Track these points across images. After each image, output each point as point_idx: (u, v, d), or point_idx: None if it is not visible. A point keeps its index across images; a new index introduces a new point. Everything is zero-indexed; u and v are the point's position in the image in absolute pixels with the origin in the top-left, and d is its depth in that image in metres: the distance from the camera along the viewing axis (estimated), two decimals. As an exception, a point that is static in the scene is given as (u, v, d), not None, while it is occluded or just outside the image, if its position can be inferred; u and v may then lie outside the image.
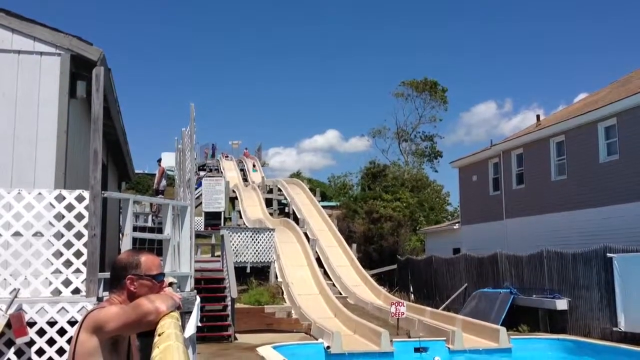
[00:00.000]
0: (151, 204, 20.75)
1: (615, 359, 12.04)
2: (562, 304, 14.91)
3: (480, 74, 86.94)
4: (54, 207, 5.86)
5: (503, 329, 13.49)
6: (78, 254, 5.82)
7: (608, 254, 13.74)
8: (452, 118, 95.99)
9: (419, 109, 53.43)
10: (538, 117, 24.59)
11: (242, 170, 40.40)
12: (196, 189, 18.73)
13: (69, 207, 5.92)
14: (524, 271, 16.83)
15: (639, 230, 15.55)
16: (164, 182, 19.70)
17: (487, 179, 24.47)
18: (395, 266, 25.68)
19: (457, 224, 27.47)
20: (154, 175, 23.10)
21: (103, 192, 6.13)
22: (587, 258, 14.55)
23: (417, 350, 13.05)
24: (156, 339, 2.08)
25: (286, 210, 30.41)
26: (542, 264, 16.03)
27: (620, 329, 13.21)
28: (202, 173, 38.62)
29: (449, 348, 13.04)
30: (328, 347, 12.60)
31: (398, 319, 15.12)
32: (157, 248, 13.41)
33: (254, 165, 40.87)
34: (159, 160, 21.39)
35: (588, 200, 18.15)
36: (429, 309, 17.31)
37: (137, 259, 3.02)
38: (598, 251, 14.18)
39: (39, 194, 5.88)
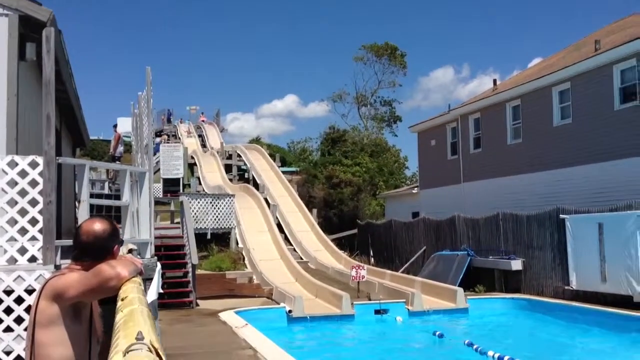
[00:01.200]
0: (107, 171, 20.37)
1: (566, 316, 12.51)
2: (516, 265, 15.36)
3: (439, 39, 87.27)
4: (6, 173, 5.67)
5: (460, 290, 13.85)
6: (33, 222, 5.67)
7: (561, 215, 14.15)
8: (410, 83, 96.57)
9: (378, 73, 53.48)
10: (495, 81, 24.90)
11: (200, 136, 39.86)
12: (154, 154, 18.41)
13: (22, 174, 5.74)
14: (480, 233, 17.23)
15: (589, 192, 16.06)
16: (120, 149, 19.31)
17: (445, 143, 24.77)
18: (355, 231, 25.93)
19: (416, 189, 27.84)
20: (110, 141, 22.57)
21: (57, 157, 5.96)
22: (540, 219, 14.97)
23: (377, 312, 13.30)
24: (119, 303, 2.05)
25: (246, 176, 30.25)
26: (498, 226, 16.44)
27: (572, 287, 13.70)
28: (159, 139, 37.96)
29: (408, 309, 13.33)
30: (290, 311, 12.73)
31: (359, 282, 15.34)
32: (115, 215, 13.19)
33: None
34: (115, 126, 20.92)
35: (542, 163, 18.59)
36: (389, 272, 17.60)
37: (115, 226, 3.01)
38: (551, 213, 14.59)
39: (-10, 160, 5.67)
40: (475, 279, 16.23)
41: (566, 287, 13.88)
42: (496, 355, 9.19)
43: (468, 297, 13.88)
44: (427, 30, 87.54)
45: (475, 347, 9.88)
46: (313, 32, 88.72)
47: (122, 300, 2.01)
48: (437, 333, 11.10)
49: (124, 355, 1.14)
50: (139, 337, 1.26)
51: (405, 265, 19.79)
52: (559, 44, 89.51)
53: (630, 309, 11.60)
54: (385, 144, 43.86)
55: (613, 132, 16.09)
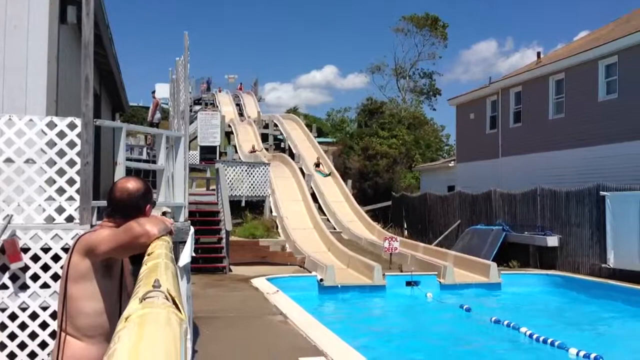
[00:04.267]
0: (146, 137, 20.67)
1: (602, 294, 12.29)
2: (552, 241, 15.11)
3: (482, 11, 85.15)
4: (45, 134, 5.77)
5: (494, 264, 13.72)
6: (71, 182, 5.78)
7: (601, 192, 13.82)
8: (451, 56, 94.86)
9: (418, 45, 52.52)
10: (539, 54, 24.23)
11: (237, 105, 40.02)
12: (190, 123, 18.55)
13: (61, 135, 5.84)
14: (517, 208, 16.97)
15: (632, 169, 15.59)
16: (158, 115, 19.50)
17: (485, 117, 24.32)
18: (389, 203, 25.86)
19: (452, 162, 27.51)
20: (149, 107, 22.84)
21: (95, 120, 6.03)
22: (580, 196, 14.65)
23: (408, 284, 13.30)
24: (145, 258, 2.07)
25: (282, 145, 30.35)
26: (535, 202, 16.16)
27: (609, 265, 13.43)
28: (197, 107, 38.25)
29: (440, 282, 13.29)
30: (321, 280, 12.82)
31: (391, 254, 15.34)
32: (152, 181, 13.39)
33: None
34: (153, 92, 21.11)
35: (584, 138, 18.10)
36: (422, 244, 17.54)
37: (148, 186, 3.05)
38: (591, 189, 14.26)
39: (30, 120, 5.77)
40: (510, 254, 16.05)
41: (603, 265, 13.61)
42: (528, 332, 9.09)
43: (501, 272, 13.75)
44: (470, 2, 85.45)
45: (506, 322, 9.79)
46: (353, 2, 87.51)
47: (149, 255, 2.02)
48: (465, 307, 11.03)
49: (141, 302, 1.14)
50: (156, 285, 1.27)
51: (439, 239, 19.68)
52: (606, 17, 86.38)
53: (669, 290, 11.33)
54: (423, 116, 43.30)
55: (660, 108, 15.53)
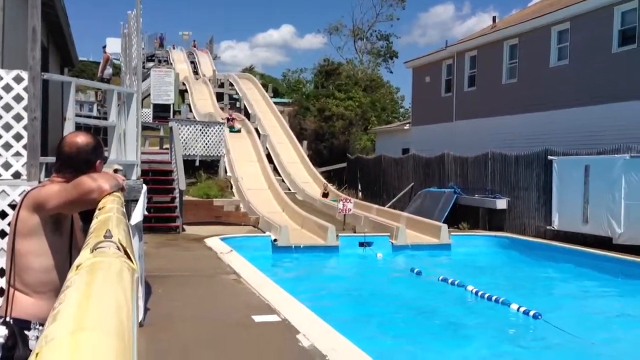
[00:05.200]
0: (96, 93, 20.10)
1: (545, 254, 12.77)
2: (501, 204, 15.55)
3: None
4: (-11, 87, 5.56)
5: (445, 226, 14.05)
6: (18, 137, 5.61)
7: (549, 157, 14.23)
8: (409, 19, 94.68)
9: (376, 6, 52.25)
10: (494, 18, 24.44)
11: (192, 62, 39.16)
12: (144, 79, 18.11)
13: (7, 88, 5.64)
14: (468, 172, 17.34)
15: (579, 135, 16.09)
16: (109, 70, 18.93)
17: (440, 80, 24.54)
18: (345, 164, 26.03)
19: (407, 125, 27.76)
20: (99, 63, 22.13)
21: (43, 73, 5.83)
22: (529, 160, 15.06)
23: (361, 244, 13.50)
24: (96, 212, 2.05)
25: (237, 105, 29.98)
26: (487, 165, 16.53)
27: (553, 227, 13.95)
28: (150, 64, 37.26)
29: (392, 243, 13.54)
30: (275, 240, 12.90)
31: (345, 215, 15.50)
32: (103, 138, 13.07)
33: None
34: (104, 47, 20.40)
35: (535, 104, 18.51)
36: (375, 206, 17.78)
37: (99, 140, 2.98)
38: (540, 154, 14.67)
39: (-27, 72, 5.55)
40: (461, 217, 16.46)
41: (548, 227, 14.12)
42: (474, 290, 9.43)
43: (452, 233, 14.10)
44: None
45: (450, 280, 10.12)
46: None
47: (100, 209, 2.00)
48: (415, 270, 11.29)
49: (92, 252, 1.14)
50: (108, 235, 1.26)
51: (393, 201, 19.98)
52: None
53: (609, 250, 11.86)
54: (380, 79, 43.36)
55: (608, 75, 15.97)
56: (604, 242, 12.34)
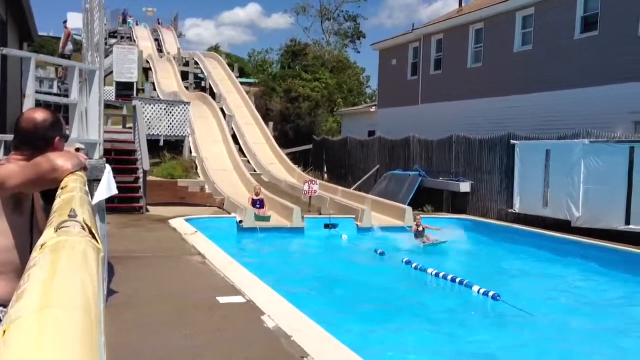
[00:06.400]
0: (56, 70, 19.58)
1: (506, 237, 13.05)
2: (465, 187, 15.78)
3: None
4: (-56, 61, 5.37)
5: (409, 209, 14.21)
6: (-25, 114, 5.44)
7: (512, 141, 14.47)
8: (376, 0, 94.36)
9: (344, -14, 51.88)
10: (461, 2, 24.51)
11: (156, 40, 38.44)
12: (107, 56, 17.72)
13: (-38, 63, 5.46)
14: (433, 155, 17.52)
15: (541, 120, 16.40)
16: (70, 47, 18.45)
17: (407, 63, 24.63)
18: (311, 146, 26.01)
19: (374, 107, 27.85)
20: (60, 38, 21.53)
21: (2, 48, 5.66)
22: (492, 144, 15.29)
23: (327, 226, 13.57)
24: (59, 192, 2.00)
25: (203, 85, 29.62)
26: (451, 149, 16.73)
27: (515, 210, 14.23)
28: (113, 41, 36.43)
29: (357, 225, 13.64)
30: (240, 222, 12.86)
31: (311, 197, 15.53)
32: (64, 116, 12.76)
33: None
34: (65, 22, 19.82)
35: (499, 88, 18.76)
36: (341, 188, 17.85)
37: (58, 117, 2.90)
38: (503, 138, 14.90)
39: None
40: (425, 200, 16.64)
41: (509, 210, 14.41)
42: (434, 272, 9.58)
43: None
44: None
45: (414, 265, 10.25)
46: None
47: (63, 189, 1.96)
48: (379, 252, 11.40)
49: (56, 231, 1.11)
50: (72, 215, 1.23)
51: (358, 183, 20.09)
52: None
53: (567, 233, 12.18)
54: (347, 60, 43.26)
55: (570, 61, 16.27)
56: (563, 225, 12.66)
